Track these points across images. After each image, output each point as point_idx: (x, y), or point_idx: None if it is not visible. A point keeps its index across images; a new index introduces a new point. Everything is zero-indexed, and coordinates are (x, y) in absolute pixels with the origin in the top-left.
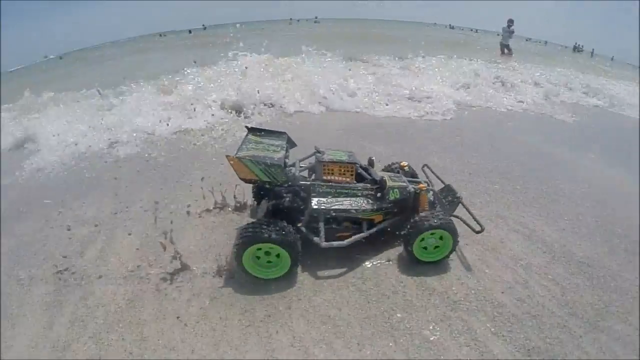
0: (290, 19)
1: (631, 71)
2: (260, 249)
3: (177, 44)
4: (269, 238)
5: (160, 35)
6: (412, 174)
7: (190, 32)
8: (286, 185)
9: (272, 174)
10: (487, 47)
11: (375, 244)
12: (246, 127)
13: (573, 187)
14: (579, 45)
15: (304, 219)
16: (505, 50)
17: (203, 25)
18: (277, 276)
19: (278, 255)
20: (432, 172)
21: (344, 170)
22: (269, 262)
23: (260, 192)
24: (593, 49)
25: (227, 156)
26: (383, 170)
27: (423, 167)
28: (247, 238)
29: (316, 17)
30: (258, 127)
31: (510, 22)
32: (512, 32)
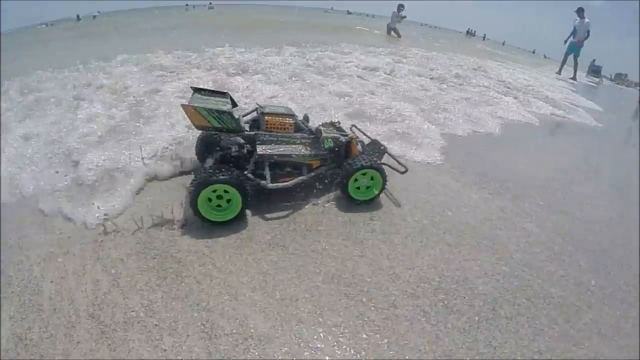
0: (187, 4)
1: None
2: (215, 190)
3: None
4: (221, 180)
5: (47, 25)
6: (341, 130)
7: (79, 18)
8: (235, 132)
9: (224, 120)
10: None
11: (314, 191)
12: (191, 87)
13: None
14: (471, 30)
15: (249, 166)
16: (392, 33)
17: (77, 16)
18: (230, 218)
19: (229, 201)
20: (360, 130)
21: (284, 121)
22: (218, 206)
23: (204, 151)
24: (485, 34)
25: (182, 105)
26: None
27: (351, 127)
28: (202, 180)
29: (210, 3)
30: (200, 87)
31: (401, 6)
32: (403, 17)
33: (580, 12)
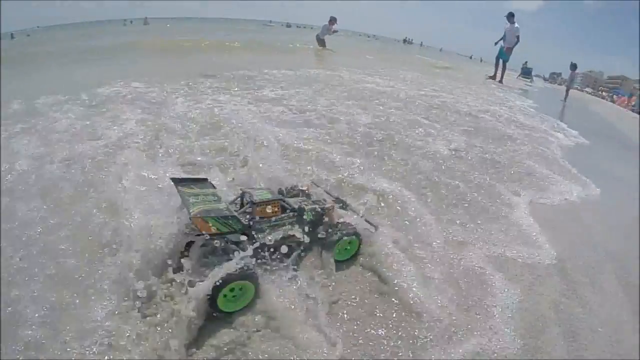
0: (124, 20)
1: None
2: (232, 289)
3: None
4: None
5: None
6: (307, 194)
7: (12, 37)
8: (242, 230)
9: (231, 225)
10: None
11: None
12: (171, 179)
13: None
14: (408, 38)
15: (247, 252)
16: (322, 44)
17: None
18: (242, 307)
19: (243, 289)
20: (320, 187)
21: (274, 208)
22: (234, 295)
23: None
24: (422, 42)
25: (191, 218)
26: (286, 190)
27: (310, 184)
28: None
29: (146, 18)
30: (177, 177)
31: (334, 19)
32: (334, 31)
33: (510, 17)
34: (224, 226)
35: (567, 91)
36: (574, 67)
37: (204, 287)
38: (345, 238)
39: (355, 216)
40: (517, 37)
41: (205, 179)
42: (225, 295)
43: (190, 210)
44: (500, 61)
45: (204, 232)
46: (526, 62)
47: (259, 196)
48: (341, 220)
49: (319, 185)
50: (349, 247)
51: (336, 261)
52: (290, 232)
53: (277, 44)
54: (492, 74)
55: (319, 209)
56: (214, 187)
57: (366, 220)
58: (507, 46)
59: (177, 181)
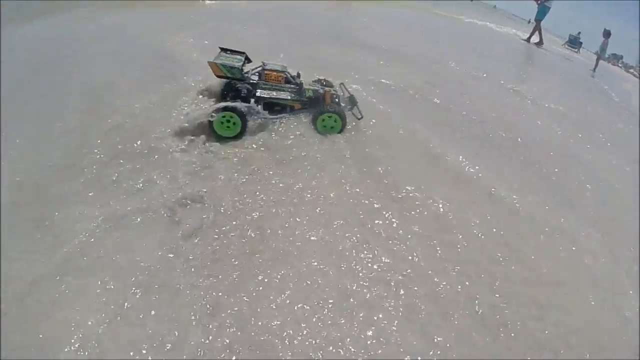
0: None
1: None
2: (224, 116)
3: None
4: (229, 108)
5: None
6: (329, 84)
7: None
8: (241, 81)
9: (233, 72)
10: None
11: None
12: (219, 47)
13: None
14: None
15: (252, 103)
16: None
17: None
18: (234, 134)
19: (234, 123)
20: (345, 87)
21: (278, 75)
22: (228, 126)
23: (224, 92)
24: None
25: (208, 62)
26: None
27: (340, 84)
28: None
29: None
30: (226, 47)
31: None
32: None
33: None
34: (229, 72)
35: (597, 60)
36: (607, 34)
37: (210, 109)
38: (326, 114)
39: (350, 107)
40: None
41: (243, 52)
42: (222, 123)
43: (212, 60)
44: (538, 21)
45: (216, 74)
46: (579, 33)
47: (272, 67)
48: (335, 102)
49: (344, 86)
50: (334, 125)
51: (321, 132)
52: (282, 96)
53: None
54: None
55: (320, 90)
56: (248, 59)
57: (358, 110)
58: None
59: (222, 49)
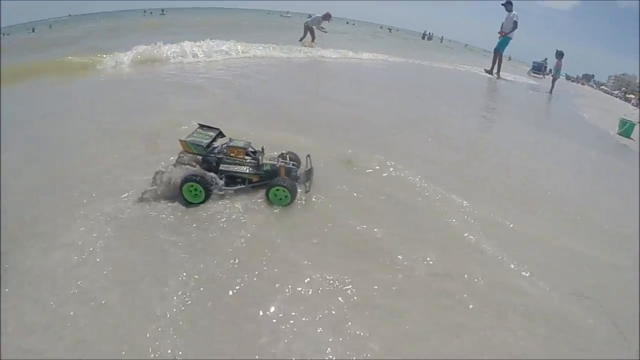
0: (144, 10)
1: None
2: (192, 185)
3: None
4: (194, 180)
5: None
6: (294, 158)
7: (33, 30)
8: (205, 156)
9: (198, 150)
10: None
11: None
12: (198, 124)
13: None
14: (428, 33)
15: (217, 175)
16: (308, 34)
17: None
18: (198, 202)
19: (200, 191)
20: (309, 160)
21: (239, 151)
22: (195, 195)
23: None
24: (442, 36)
25: (179, 139)
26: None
27: (307, 156)
28: (187, 177)
29: (163, 10)
30: (203, 124)
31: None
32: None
33: (507, 5)
34: (195, 150)
35: (552, 82)
36: (559, 55)
37: (181, 178)
38: (275, 187)
39: (305, 179)
40: (515, 23)
41: (218, 129)
42: (190, 191)
43: (184, 137)
44: (499, 53)
45: (185, 150)
46: (545, 59)
47: (236, 143)
48: (292, 175)
49: (309, 159)
50: (283, 198)
51: (274, 204)
52: (241, 170)
53: None
54: (489, 67)
55: (276, 164)
56: (222, 134)
57: (307, 184)
58: (504, 31)
59: (200, 125)
